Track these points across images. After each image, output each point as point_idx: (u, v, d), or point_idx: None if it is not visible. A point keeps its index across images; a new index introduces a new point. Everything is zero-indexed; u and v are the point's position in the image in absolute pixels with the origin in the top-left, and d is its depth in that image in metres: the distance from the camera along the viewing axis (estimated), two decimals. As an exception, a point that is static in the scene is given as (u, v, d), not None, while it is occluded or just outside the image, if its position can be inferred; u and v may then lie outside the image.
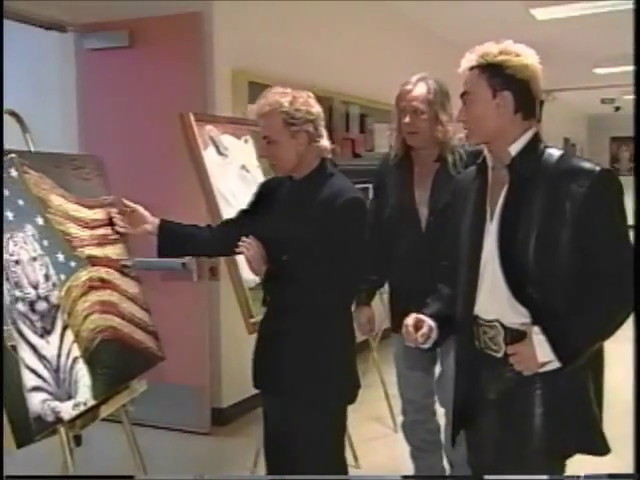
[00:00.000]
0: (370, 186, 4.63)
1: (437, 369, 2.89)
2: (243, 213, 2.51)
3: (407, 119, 2.63)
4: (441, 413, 2.86)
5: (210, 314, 4.09)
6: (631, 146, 16.55)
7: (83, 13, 4.14)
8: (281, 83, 4.37)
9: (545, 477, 1.76)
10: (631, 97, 11.51)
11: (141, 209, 2.46)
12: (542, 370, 1.74)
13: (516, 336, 1.77)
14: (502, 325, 1.81)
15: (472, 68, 1.82)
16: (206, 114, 3.70)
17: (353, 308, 2.78)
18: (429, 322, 1.94)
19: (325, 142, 2.29)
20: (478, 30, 6.20)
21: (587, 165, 1.77)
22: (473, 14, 6.59)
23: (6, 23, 3.82)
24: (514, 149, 1.82)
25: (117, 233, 2.52)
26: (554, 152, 1.83)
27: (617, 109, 13.61)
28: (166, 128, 3.57)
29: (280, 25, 4.64)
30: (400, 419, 3.08)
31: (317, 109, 2.28)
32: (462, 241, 1.91)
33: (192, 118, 3.25)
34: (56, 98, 4.43)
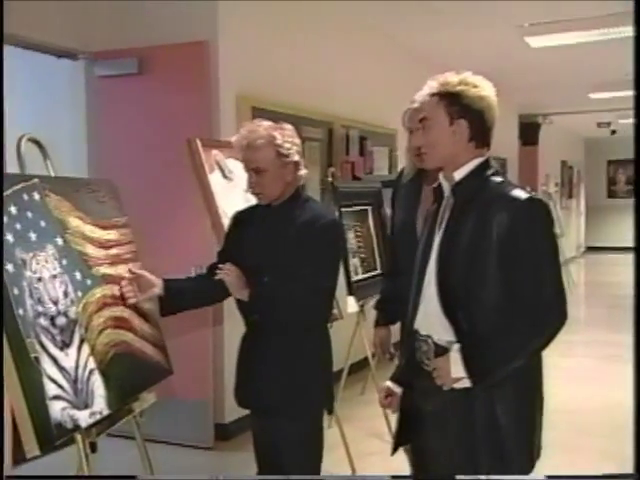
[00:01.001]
0: (369, 208, 4.81)
1: None
2: (222, 252, 2.56)
3: (413, 141, 2.55)
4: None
5: (214, 330, 4.19)
6: (628, 169, 16.65)
7: (94, 41, 4.32)
8: (283, 108, 4.53)
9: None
10: (627, 121, 11.65)
11: (146, 274, 2.48)
12: (458, 386, 1.80)
13: (442, 352, 1.85)
14: (433, 341, 1.89)
15: (432, 95, 1.90)
16: (212, 139, 3.84)
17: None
18: (396, 391, 2.03)
19: (304, 170, 2.45)
20: (474, 57, 6.40)
21: (515, 193, 1.82)
22: (469, 41, 6.78)
23: (18, 51, 3.99)
24: (458, 175, 1.90)
25: (127, 306, 2.53)
26: (496, 179, 1.89)
27: (613, 132, 13.69)
28: (173, 152, 3.72)
29: (282, 52, 4.82)
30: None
31: (299, 140, 2.45)
32: (415, 263, 1.99)
33: (199, 144, 3.40)
34: (67, 124, 4.58)
